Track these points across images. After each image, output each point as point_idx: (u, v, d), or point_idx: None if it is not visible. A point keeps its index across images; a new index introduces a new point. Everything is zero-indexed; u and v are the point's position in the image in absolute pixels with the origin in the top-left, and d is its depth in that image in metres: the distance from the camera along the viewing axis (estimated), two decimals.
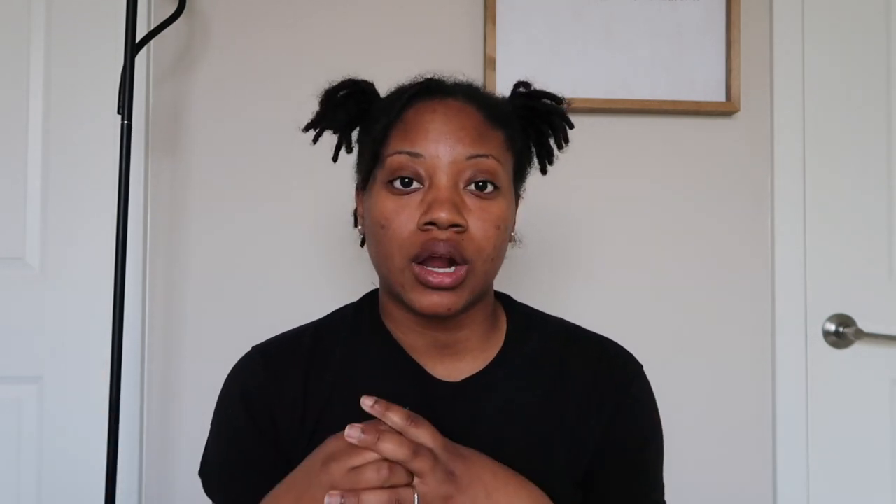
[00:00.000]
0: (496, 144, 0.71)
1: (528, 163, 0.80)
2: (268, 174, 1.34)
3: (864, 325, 1.39)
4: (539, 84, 0.80)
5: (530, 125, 0.79)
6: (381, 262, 0.72)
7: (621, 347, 0.83)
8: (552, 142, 0.80)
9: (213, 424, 0.80)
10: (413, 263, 0.68)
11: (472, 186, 0.69)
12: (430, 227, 0.67)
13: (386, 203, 0.70)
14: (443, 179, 0.68)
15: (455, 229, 0.67)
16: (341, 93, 0.77)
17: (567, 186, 1.35)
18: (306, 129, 0.78)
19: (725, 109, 1.37)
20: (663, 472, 0.83)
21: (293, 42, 1.35)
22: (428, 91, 0.73)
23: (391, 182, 0.69)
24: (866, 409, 1.40)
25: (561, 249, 1.37)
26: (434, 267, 0.68)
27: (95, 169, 1.31)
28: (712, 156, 1.40)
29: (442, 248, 0.67)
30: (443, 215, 0.66)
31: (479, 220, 0.69)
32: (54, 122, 1.31)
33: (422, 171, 0.68)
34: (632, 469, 0.80)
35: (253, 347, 0.80)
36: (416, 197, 0.69)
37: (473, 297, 0.71)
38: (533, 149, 0.81)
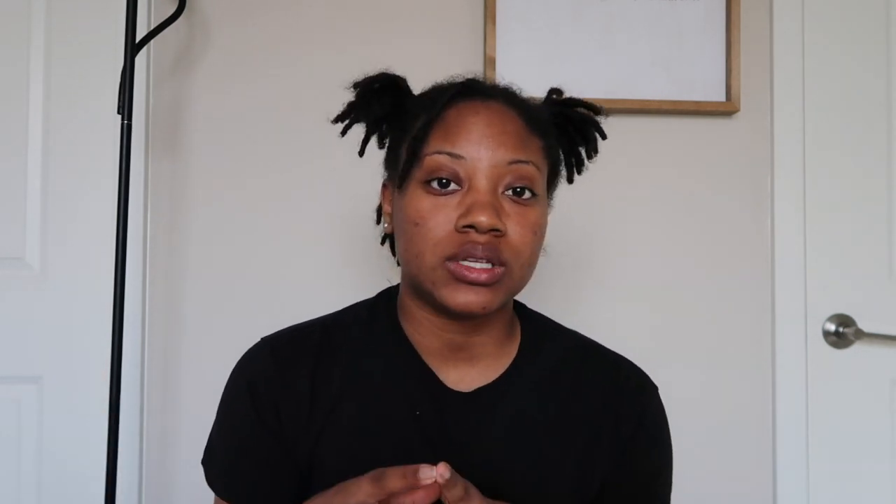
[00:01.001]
0: (535, 151, 0.71)
1: (560, 172, 0.80)
2: (268, 174, 1.34)
3: (864, 325, 1.39)
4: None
5: (563, 133, 0.78)
6: (410, 259, 0.70)
7: (637, 368, 0.82)
8: (583, 152, 0.80)
9: (218, 414, 0.79)
10: (447, 261, 0.67)
11: (511, 192, 0.68)
12: (468, 229, 0.66)
13: (422, 202, 0.68)
14: (482, 183, 0.67)
15: (494, 233, 0.66)
16: (376, 85, 0.75)
17: (565, 187, 1.35)
18: (336, 120, 0.77)
19: (725, 109, 1.37)
20: (670, 495, 0.82)
21: (293, 42, 1.35)
22: (469, 91, 0.72)
23: (428, 182, 0.68)
24: (866, 409, 1.40)
25: (558, 249, 1.37)
26: (470, 263, 0.67)
27: (95, 169, 1.31)
28: (712, 156, 1.40)
29: (480, 252, 0.66)
30: (483, 219, 0.65)
31: (517, 226, 0.68)
32: (54, 122, 1.31)
33: (461, 173, 0.67)
34: (643, 494, 0.79)
35: (262, 339, 0.79)
36: (454, 199, 0.67)
37: (507, 299, 0.70)
38: (563, 158, 0.80)
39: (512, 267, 0.68)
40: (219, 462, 0.77)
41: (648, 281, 1.39)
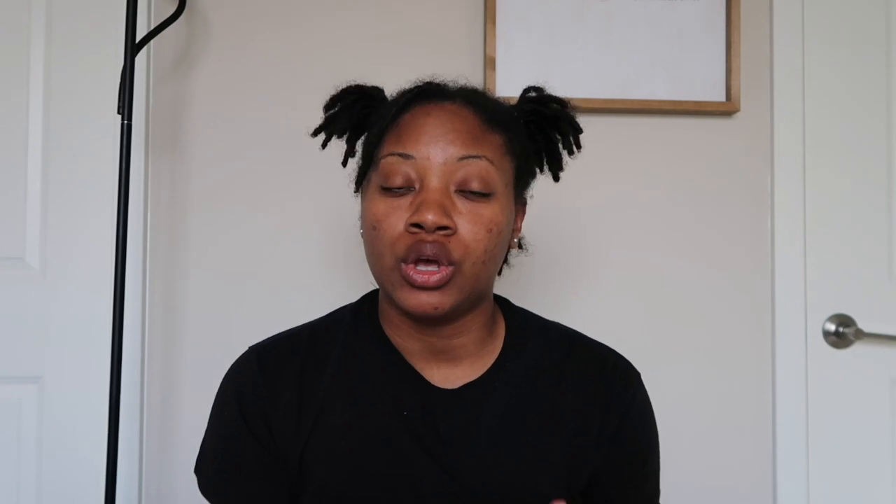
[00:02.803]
0: (492, 147, 0.71)
1: (532, 169, 0.80)
2: (268, 174, 1.34)
3: (864, 325, 1.39)
4: (539, 84, 0.80)
5: (538, 130, 0.79)
6: (373, 262, 0.72)
7: (620, 357, 0.83)
8: (561, 147, 0.80)
9: (209, 424, 0.80)
10: (401, 263, 0.68)
11: (464, 189, 0.69)
12: (416, 229, 0.67)
13: (378, 205, 0.70)
14: (433, 182, 0.68)
15: (442, 232, 0.67)
16: (346, 99, 0.77)
17: (565, 186, 1.35)
18: (314, 134, 0.79)
19: (725, 109, 1.37)
20: (660, 479, 0.84)
21: (293, 42, 1.35)
22: (426, 95, 0.73)
23: (384, 184, 0.70)
24: (866, 409, 1.40)
25: (558, 249, 1.37)
26: (421, 267, 0.68)
27: (95, 169, 1.31)
28: (712, 156, 1.40)
29: (428, 250, 0.67)
30: (429, 217, 0.66)
31: (468, 223, 0.68)
32: (54, 123, 1.31)
33: (412, 174, 0.69)
34: (633, 481, 0.81)
35: (249, 348, 0.80)
36: (408, 199, 0.69)
37: (463, 298, 0.70)
38: (544, 155, 0.80)
39: (462, 266, 0.68)
40: (210, 470, 0.78)
41: (648, 281, 1.38)
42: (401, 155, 0.69)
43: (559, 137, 0.79)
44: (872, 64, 1.43)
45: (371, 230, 0.70)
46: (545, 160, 0.81)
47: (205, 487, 0.78)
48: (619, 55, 1.37)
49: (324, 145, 0.79)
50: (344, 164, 0.79)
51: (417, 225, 0.67)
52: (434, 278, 0.67)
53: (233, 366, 0.80)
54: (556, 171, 0.82)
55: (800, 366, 1.39)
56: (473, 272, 0.69)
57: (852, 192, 1.41)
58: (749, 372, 1.39)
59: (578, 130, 0.79)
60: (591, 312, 1.36)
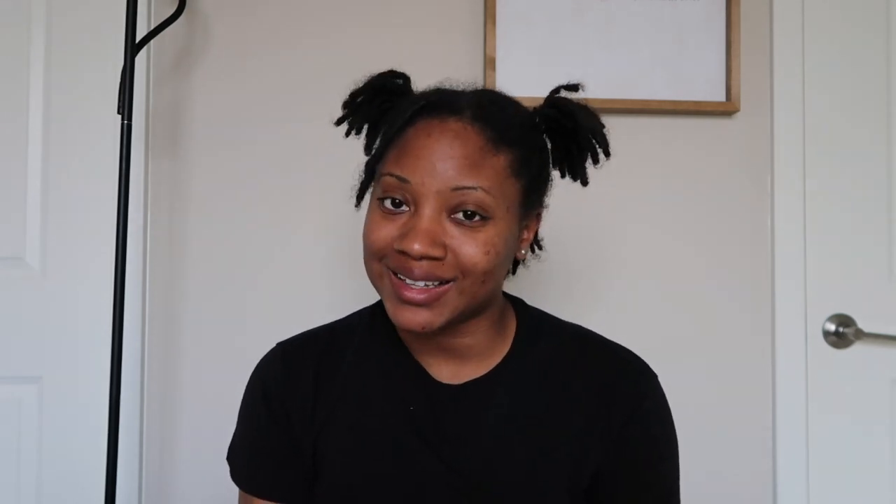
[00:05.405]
0: (493, 173, 0.68)
1: (548, 178, 0.78)
2: (268, 174, 1.34)
3: (864, 325, 1.39)
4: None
5: (559, 138, 0.77)
6: (365, 268, 0.73)
7: (635, 356, 0.81)
8: (582, 156, 0.78)
9: (239, 414, 0.84)
10: (391, 273, 0.69)
11: (460, 215, 0.68)
12: (403, 255, 0.67)
13: (375, 216, 0.71)
14: (425, 209, 0.67)
15: (428, 263, 0.67)
16: (363, 96, 0.77)
17: (564, 186, 1.35)
18: (338, 123, 0.79)
19: (725, 109, 1.37)
20: (679, 487, 0.80)
21: (293, 42, 1.35)
22: (432, 108, 0.71)
23: (382, 199, 0.70)
24: (866, 409, 1.40)
25: (558, 249, 1.37)
26: (410, 282, 0.68)
27: (95, 169, 1.31)
28: (712, 156, 1.40)
29: (415, 275, 0.67)
30: (416, 247, 0.66)
31: (463, 245, 0.67)
32: (54, 123, 1.31)
33: (408, 196, 0.68)
34: (646, 485, 0.78)
35: (277, 343, 0.84)
36: (402, 218, 0.69)
37: (456, 315, 0.70)
38: (564, 163, 0.79)
39: (462, 283, 0.68)
40: (240, 458, 0.82)
41: (648, 281, 1.38)
42: (398, 177, 0.68)
43: (576, 147, 0.77)
44: (872, 64, 1.43)
45: (365, 238, 0.72)
46: (565, 168, 0.79)
47: (236, 474, 0.82)
48: (618, 55, 1.37)
49: (347, 134, 0.79)
50: (366, 152, 0.79)
51: (403, 251, 0.67)
52: (422, 297, 0.67)
53: (261, 360, 0.84)
54: (577, 178, 0.79)
55: (800, 366, 1.39)
56: (472, 291, 0.69)
57: (852, 192, 1.41)
58: (749, 372, 1.39)
59: (603, 142, 0.76)
60: (590, 310, 1.36)
